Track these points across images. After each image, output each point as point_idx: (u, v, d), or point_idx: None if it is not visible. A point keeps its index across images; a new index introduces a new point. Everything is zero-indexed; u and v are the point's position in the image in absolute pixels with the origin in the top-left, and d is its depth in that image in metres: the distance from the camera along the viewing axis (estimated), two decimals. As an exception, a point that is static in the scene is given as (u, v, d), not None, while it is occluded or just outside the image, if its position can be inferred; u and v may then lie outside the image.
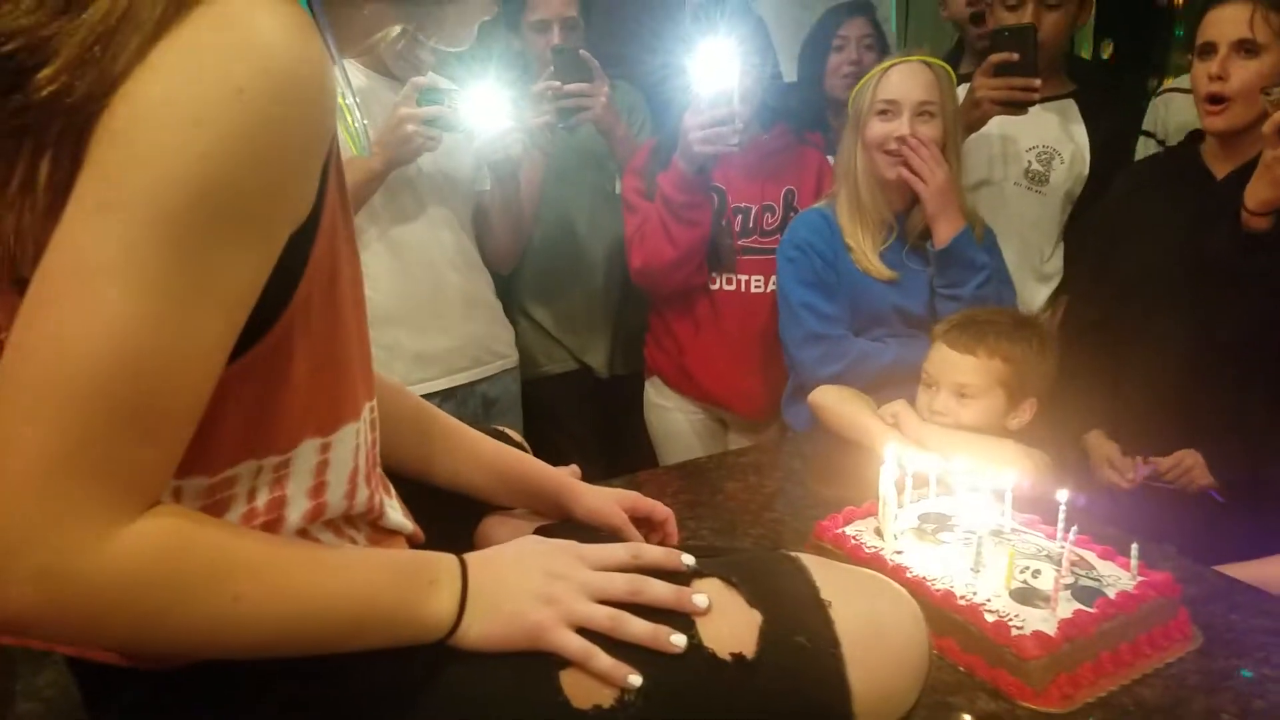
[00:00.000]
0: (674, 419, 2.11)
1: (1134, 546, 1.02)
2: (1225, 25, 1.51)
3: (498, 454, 0.99)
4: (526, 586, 0.67)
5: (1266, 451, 1.48)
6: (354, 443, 0.69)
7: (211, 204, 0.52)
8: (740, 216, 1.93)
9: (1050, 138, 1.89)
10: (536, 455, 1.08)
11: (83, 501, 0.52)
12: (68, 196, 0.53)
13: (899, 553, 1.07)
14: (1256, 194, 1.38)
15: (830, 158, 1.96)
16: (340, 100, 0.65)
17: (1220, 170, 1.60)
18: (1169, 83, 2.11)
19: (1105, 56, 3.66)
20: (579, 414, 2.29)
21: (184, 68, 0.52)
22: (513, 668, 0.65)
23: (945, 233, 1.63)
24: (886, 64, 1.67)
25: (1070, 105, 1.92)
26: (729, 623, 0.67)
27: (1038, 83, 1.70)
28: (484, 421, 1.94)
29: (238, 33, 0.53)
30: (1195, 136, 1.69)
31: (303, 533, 0.67)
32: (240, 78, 0.52)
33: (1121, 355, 1.66)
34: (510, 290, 2.20)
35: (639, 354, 2.18)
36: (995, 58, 1.72)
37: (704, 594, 0.68)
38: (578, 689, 0.64)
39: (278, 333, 0.60)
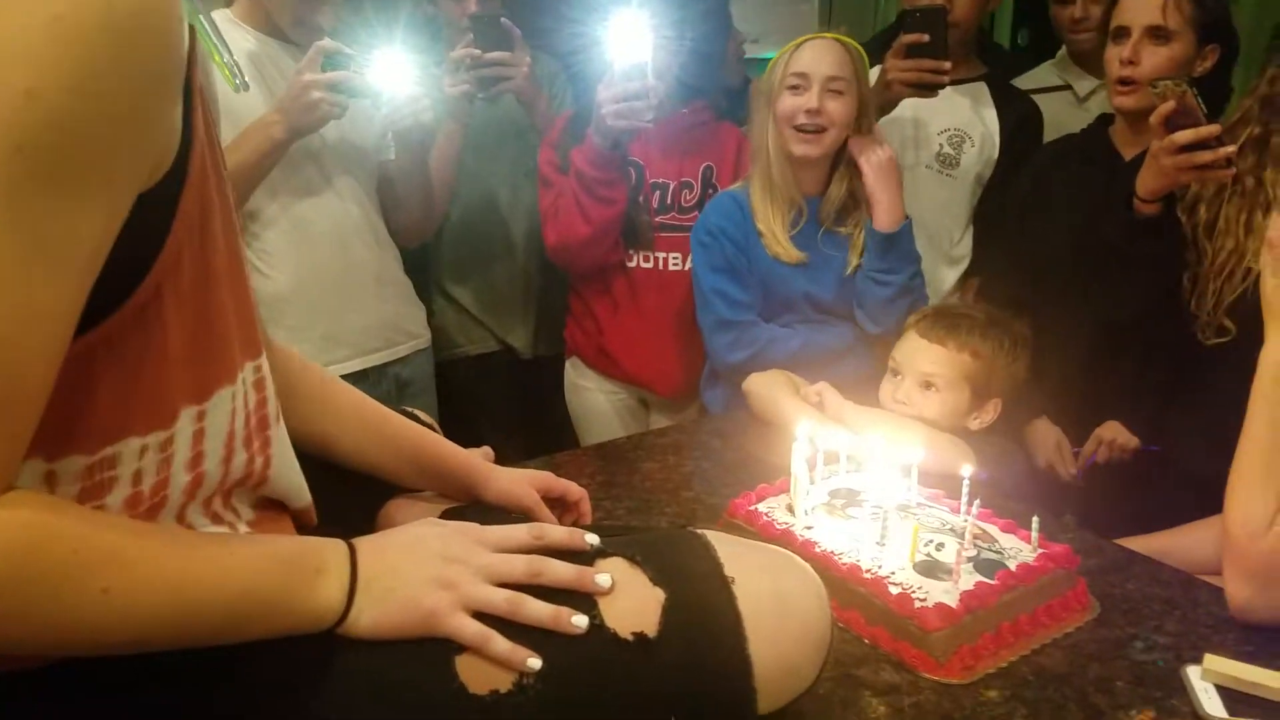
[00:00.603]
0: (594, 399, 2.09)
1: (1034, 519, 1.04)
2: (1139, 11, 1.55)
3: (404, 433, 0.96)
4: (421, 571, 0.64)
5: (1163, 426, 1.54)
6: (229, 407, 0.65)
7: (36, 150, 0.47)
8: (658, 193, 1.91)
9: (961, 121, 1.92)
10: (455, 439, 1.05)
11: None
12: None
13: (809, 528, 1.07)
14: (1145, 182, 1.42)
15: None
16: (202, 33, 0.60)
17: (1128, 152, 1.64)
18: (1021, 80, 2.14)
19: (1022, 44, 3.75)
20: (500, 396, 2.24)
21: None
22: (407, 654, 0.63)
23: (890, 217, 1.63)
24: (799, 40, 1.67)
25: (981, 88, 1.94)
26: (631, 602, 0.66)
27: (948, 65, 1.71)
28: (396, 403, 1.90)
29: None
30: (1105, 119, 1.73)
31: (181, 516, 0.63)
32: (58, 3, 0.46)
33: (1035, 334, 1.70)
34: (428, 268, 2.14)
35: (563, 334, 2.16)
36: (905, 38, 1.73)
37: (607, 574, 0.67)
38: (474, 674, 0.62)
39: (145, 293, 0.56)
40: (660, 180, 1.91)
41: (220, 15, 1.72)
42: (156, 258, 0.56)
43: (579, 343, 2.07)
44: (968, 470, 1.05)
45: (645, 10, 1.67)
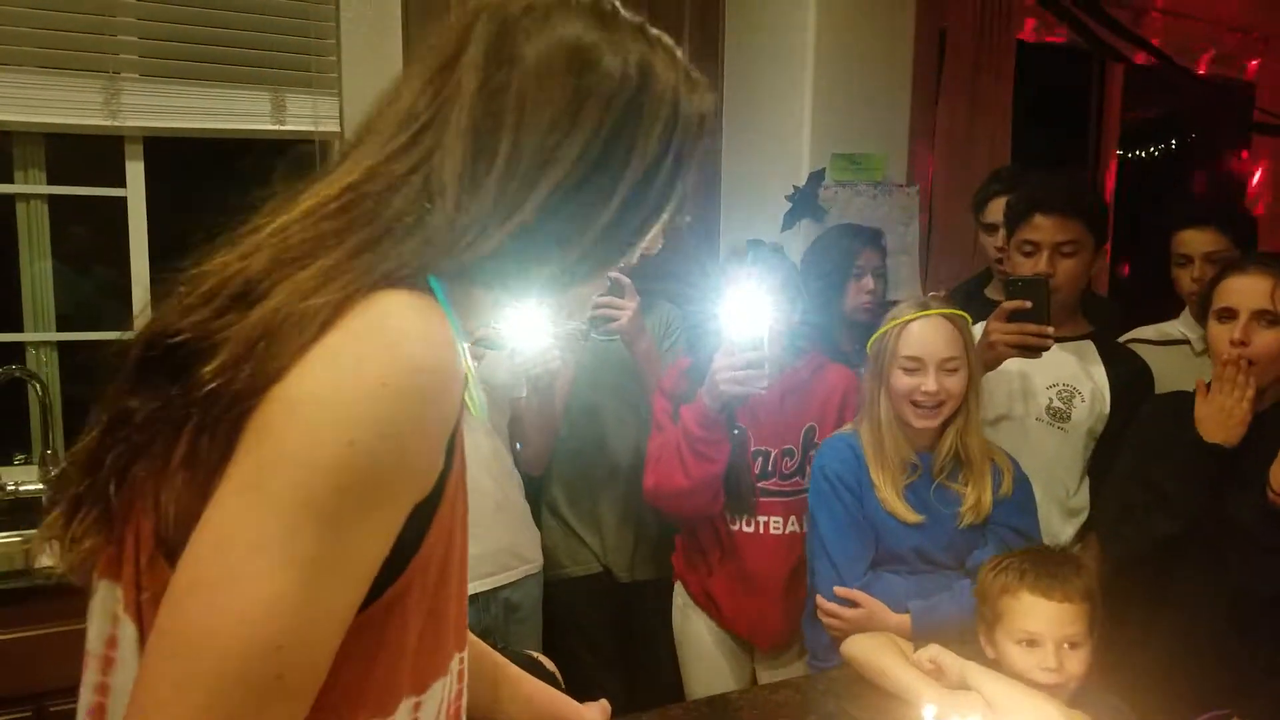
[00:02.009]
0: (699, 628, 2.09)
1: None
2: (1247, 295, 1.59)
3: (537, 696, 1.02)
4: None
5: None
6: (440, 697, 0.70)
7: (354, 490, 0.56)
8: (760, 460, 1.97)
9: (1068, 376, 1.95)
10: (556, 660, 1.15)
11: None
12: (221, 475, 0.57)
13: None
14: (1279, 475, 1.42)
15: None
16: (469, 374, 0.70)
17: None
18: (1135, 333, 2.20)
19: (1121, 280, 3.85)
20: (599, 619, 2.28)
21: (335, 367, 0.57)
22: None
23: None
24: (906, 317, 1.70)
25: (1088, 346, 1.98)
26: None
27: (1051, 330, 1.78)
28: (504, 627, 1.97)
29: (383, 332, 0.58)
30: None
31: None
32: (383, 373, 0.57)
33: (1153, 601, 1.65)
34: (539, 486, 2.26)
35: (661, 559, 2.20)
36: (1008, 305, 1.80)
37: None
38: None
39: (397, 590, 0.63)
40: (763, 448, 1.96)
41: None
42: (411, 560, 0.63)
43: (687, 578, 2.10)
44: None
45: (762, 285, 1.77)
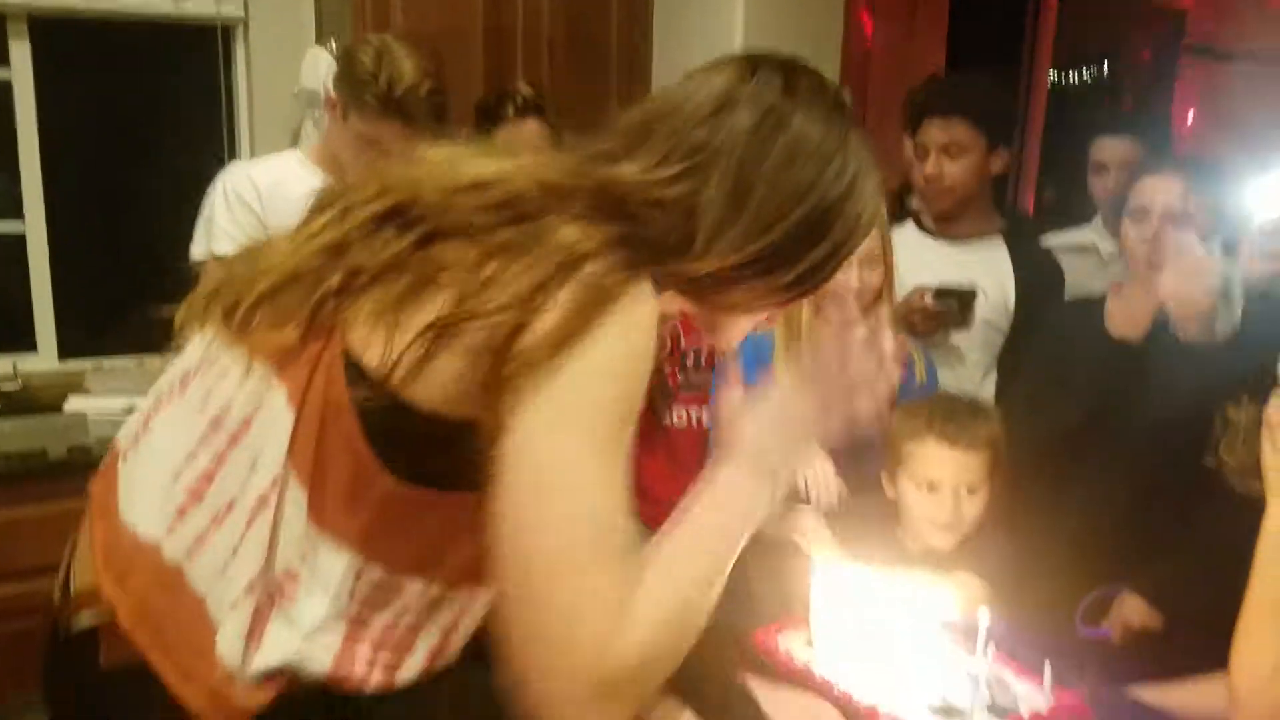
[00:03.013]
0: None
1: (1046, 665, 1.07)
2: (1160, 195, 1.63)
3: None
4: None
5: (1201, 580, 1.50)
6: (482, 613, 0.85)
7: (620, 414, 0.73)
8: (692, 355, 1.98)
9: (975, 274, 1.96)
10: None
11: (609, 601, 0.69)
12: (427, 311, 0.73)
13: (828, 666, 1.10)
14: None
15: None
16: None
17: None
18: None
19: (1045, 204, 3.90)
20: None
21: (625, 329, 0.73)
22: None
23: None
24: None
25: (998, 242, 2.01)
26: None
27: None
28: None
29: (644, 312, 0.75)
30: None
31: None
32: (645, 341, 0.74)
33: (1060, 482, 1.70)
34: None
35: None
36: (935, 306, 1.87)
37: None
38: None
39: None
40: (694, 346, 1.96)
41: (291, 155, 1.90)
42: None
43: None
44: (985, 614, 1.08)
45: None
